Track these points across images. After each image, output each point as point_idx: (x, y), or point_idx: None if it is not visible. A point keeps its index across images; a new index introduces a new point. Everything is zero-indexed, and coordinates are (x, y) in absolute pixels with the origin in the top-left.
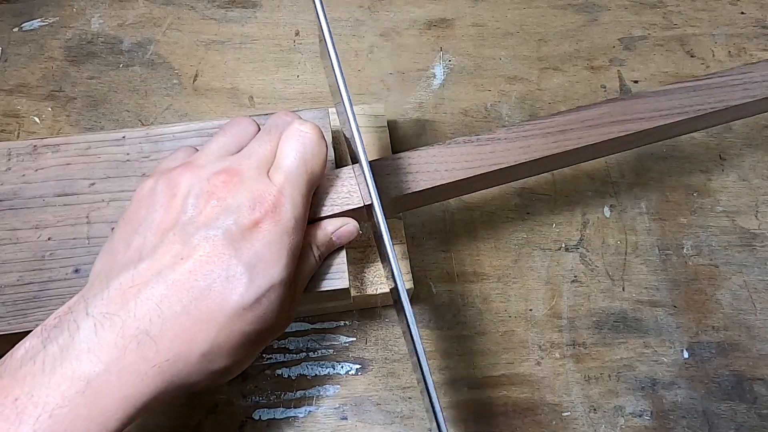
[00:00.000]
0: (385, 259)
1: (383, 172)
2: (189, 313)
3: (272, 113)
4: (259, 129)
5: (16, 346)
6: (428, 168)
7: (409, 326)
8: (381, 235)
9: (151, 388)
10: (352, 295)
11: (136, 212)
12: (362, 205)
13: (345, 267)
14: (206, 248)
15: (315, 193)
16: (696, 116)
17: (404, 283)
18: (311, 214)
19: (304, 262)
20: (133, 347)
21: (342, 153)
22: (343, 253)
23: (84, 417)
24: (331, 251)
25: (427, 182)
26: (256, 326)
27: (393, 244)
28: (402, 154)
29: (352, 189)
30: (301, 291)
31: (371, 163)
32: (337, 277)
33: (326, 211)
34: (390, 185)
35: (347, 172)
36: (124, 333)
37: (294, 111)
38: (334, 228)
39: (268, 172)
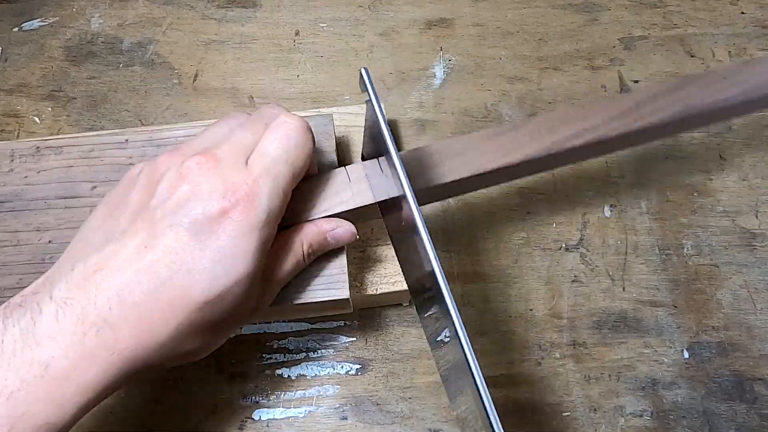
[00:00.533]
0: (409, 255)
1: (411, 163)
2: (150, 303)
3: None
4: None
5: None
6: (455, 158)
7: (455, 324)
8: (415, 225)
9: (111, 373)
10: (351, 296)
11: (118, 193)
12: (361, 205)
13: (345, 277)
14: (171, 237)
15: (311, 193)
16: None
17: (445, 280)
18: (306, 215)
19: (291, 258)
20: (93, 334)
21: (343, 157)
22: (344, 263)
23: (42, 401)
24: (324, 251)
25: (455, 174)
26: (221, 316)
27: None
28: (427, 146)
29: (352, 190)
30: (281, 286)
31: (403, 154)
32: (338, 287)
33: (322, 211)
34: (418, 176)
35: (344, 173)
36: (84, 320)
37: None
38: (329, 227)
39: (248, 160)
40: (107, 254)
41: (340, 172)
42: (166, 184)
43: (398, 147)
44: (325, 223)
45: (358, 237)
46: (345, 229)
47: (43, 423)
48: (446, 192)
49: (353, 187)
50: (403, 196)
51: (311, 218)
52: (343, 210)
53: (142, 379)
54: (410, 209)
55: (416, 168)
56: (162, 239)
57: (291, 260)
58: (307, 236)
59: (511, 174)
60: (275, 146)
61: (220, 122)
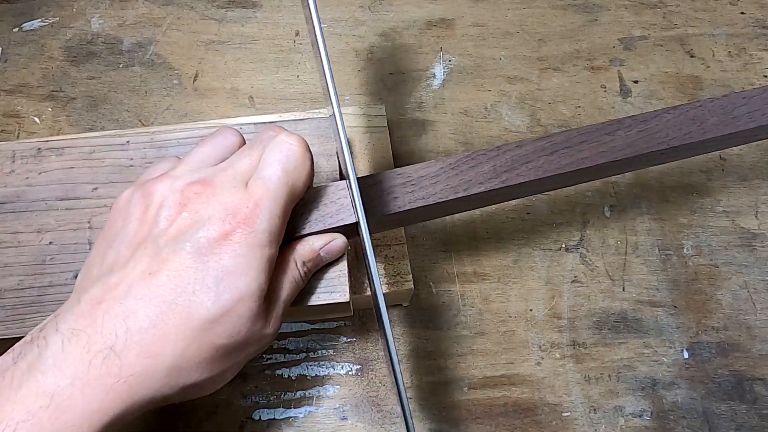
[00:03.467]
0: (371, 280)
1: (372, 188)
2: (156, 327)
3: (272, 114)
4: (243, 141)
5: None
6: (420, 185)
7: (388, 347)
8: (366, 254)
9: (117, 402)
10: (351, 298)
11: (113, 224)
12: (354, 222)
13: (346, 280)
14: (174, 262)
15: (305, 208)
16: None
17: (384, 304)
18: (300, 230)
19: (289, 279)
20: (98, 362)
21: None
22: (345, 266)
23: (48, 431)
24: (319, 267)
25: (419, 201)
26: (227, 340)
27: (395, 243)
28: (392, 171)
29: (344, 205)
30: (287, 307)
31: (360, 180)
32: (338, 290)
33: (316, 226)
34: (379, 203)
35: (339, 186)
36: (90, 348)
37: (301, 119)
38: (321, 244)
39: (248, 182)
40: (111, 284)
41: (336, 185)
42: (165, 212)
43: (398, 147)
44: (316, 240)
45: (349, 248)
46: (337, 243)
47: None
48: (401, 221)
49: (347, 203)
50: (357, 223)
51: (305, 233)
52: (339, 225)
53: (144, 412)
54: (362, 236)
55: (375, 194)
56: (166, 264)
57: (289, 282)
58: (302, 256)
59: (467, 205)
60: (274, 169)
61: (207, 142)
